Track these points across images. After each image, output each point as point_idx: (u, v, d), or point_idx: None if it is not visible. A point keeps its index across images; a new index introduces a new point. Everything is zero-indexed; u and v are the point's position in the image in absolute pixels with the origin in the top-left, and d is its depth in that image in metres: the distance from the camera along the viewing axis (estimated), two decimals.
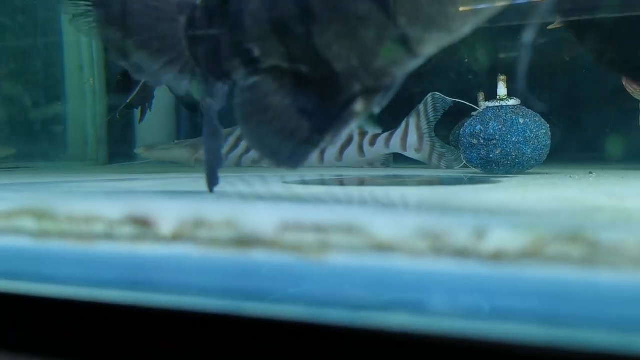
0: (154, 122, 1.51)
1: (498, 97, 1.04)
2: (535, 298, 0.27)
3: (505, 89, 1.04)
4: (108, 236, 0.36)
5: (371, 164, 1.29)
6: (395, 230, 0.31)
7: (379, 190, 0.73)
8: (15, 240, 0.38)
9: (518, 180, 0.86)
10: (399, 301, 0.29)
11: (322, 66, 0.46)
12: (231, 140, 1.33)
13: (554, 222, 0.36)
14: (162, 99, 1.41)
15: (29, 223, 0.37)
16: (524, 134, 1.00)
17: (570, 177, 0.91)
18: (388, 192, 0.68)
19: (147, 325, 0.33)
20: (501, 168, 1.01)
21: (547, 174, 1.01)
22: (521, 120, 1.01)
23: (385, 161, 1.30)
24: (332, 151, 1.28)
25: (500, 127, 1.00)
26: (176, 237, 0.34)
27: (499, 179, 0.89)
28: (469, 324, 0.28)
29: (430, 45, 0.43)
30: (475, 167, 1.04)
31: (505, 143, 1.00)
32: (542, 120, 1.02)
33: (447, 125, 1.24)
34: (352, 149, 1.27)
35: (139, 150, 1.40)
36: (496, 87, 1.04)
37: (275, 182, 0.82)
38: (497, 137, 1.00)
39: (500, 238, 0.28)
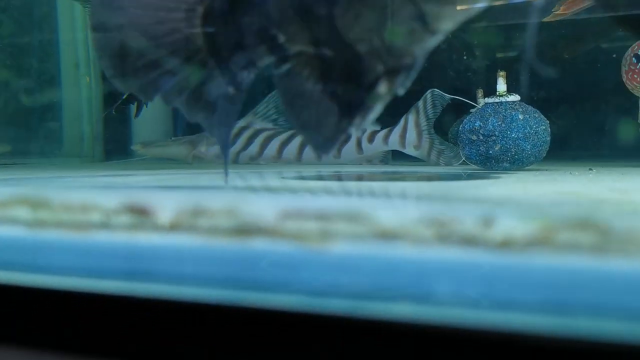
0: (150, 119, 1.50)
1: (497, 93, 1.03)
2: (544, 287, 0.26)
3: (505, 85, 1.04)
4: (105, 225, 0.35)
5: (369, 161, 1.29)
6: (399, 218, 0.30)
7: (379, 184, 0.72)
8: (9, 229, 0.37)
9: (518, 176, 0.86)
10: (403, 291, 0.28)
11: (344, 49, 0.46)
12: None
13: (560, 212, 0.35)
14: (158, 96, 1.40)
15: (23, 212, 0.37)
16: (523, 130, 0.99)
17: (570, 173, 0.90)
18: (388, 186, 0.67)
19: (144, 317, 0.32)
20: (500, 164, 1.01)
21: (546, 170, 1.01)
22: (521, 117, 1.00)
23: (383, 158, 1.29)
24: None
25: (499, 123, 1.00)
26: (174, 226, 0.33)
27: (499, 175, 0.89)
28: (476, 313, 0.27)
29: (448, 21, 0.42)
30: (474, 164, 1.04)
31: (505, 139, 0.99)
32: (542, 116, 1.02)
33: (444, 122, 1.23)
34: (350, 145, 1.27)
35: (135, 147, 1.39)
36: (493, 84, 1.04)
37: (273, 177, 0.82)
38: (496, 133, 0.99)
39: (509, 226, 0.28)
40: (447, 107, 1.20)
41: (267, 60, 0.51)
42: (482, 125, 1.01)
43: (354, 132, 1.26)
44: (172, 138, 1.43)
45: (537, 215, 0.28)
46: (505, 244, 0.27)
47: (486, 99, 1.03)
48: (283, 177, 0.81)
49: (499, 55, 1.42)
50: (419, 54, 0.43)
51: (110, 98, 1.46)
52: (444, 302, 0.28)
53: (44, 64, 1.62)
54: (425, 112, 1.20)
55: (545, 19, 1.08)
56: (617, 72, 1.06)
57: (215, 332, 0.31)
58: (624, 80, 1.02)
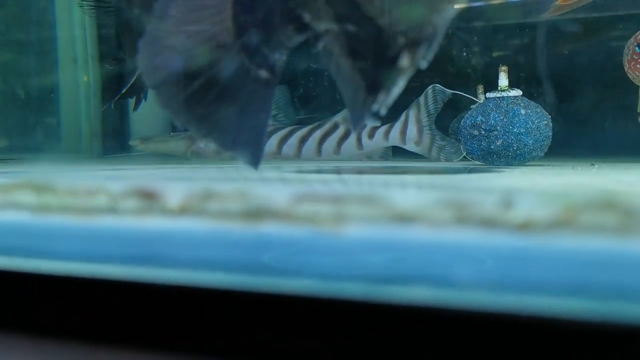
0: (149, 115, 1.49)
1: (499, 87, 1.02)
2: (567, 268, 0.25)
3: (507, 80, 1.03)
4: (112, 210, 0.34)
5: (369, 157, 1.28)
6: (415, 200, 0.29)
7: (384, 177, 0.71)
8: (13, 215, 0.36)
9: (521, 170, 0.85)
10: (420, 274, 0.28)
11: (366, 23, 0.45)
12: None
13: (577, 196, 0.34)
14: None
15: (28, 197, 0.36)
16: (525, 125, 0.99)
17: (573, 168, 0.90)
18: (394, 178, 0.67)
19: (153, 302, 0.32)
20: (502, 159, 1.00)
21: (548, 165, 1.01)
22: (523, 111, 1.00)
23: (384, 154, 1.28)
24: (330, 143, 1.27)
25: (501, 118, 0.99)
26: (184, 210, 0.32)
27: (501, 170, 0.88)
28: (496, 296, 0.26)
29: None
30: (475, 159, 1.03)
31: (507, 134, 0.99)
32: (544, 111, 1.01)
33: (444, 118, 1.22)
34: (351, 141, 1.26)
35: (134, 142, 1.38)
36: (492, 81, 1.03)
37: (273, 172, 0.81)
38: (498, 128, 0.99)
39: (529, 207, 0.27)
40: (445, 103, 1.19)
41: (295, 40, 0.50)
42: (483, 120, 1.00)
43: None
44: (171, 134, 1.42)
45: (559, 198, 0.27)
46: (526, 226, 0.26)
47: (488, 93, 1.02)
48: (283, 172, 0.80)
49: (500, 50, 1.41)
50: (439, 24, 0.43)
51: (108, 93, 1.45)
52: (462, 285, 0.27)
53: (41, 59, 1.61)
54: (427, 107, 1.19)
55: (544, 14, 1.07)
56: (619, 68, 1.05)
57: (226, 317, 0.30)
58: (626, 69, 1.01)
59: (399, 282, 0.28)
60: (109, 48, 1.54)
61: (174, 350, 0.32)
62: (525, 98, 1.02)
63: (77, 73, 1.57)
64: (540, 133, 0.99)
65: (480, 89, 1.10)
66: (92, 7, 1.13)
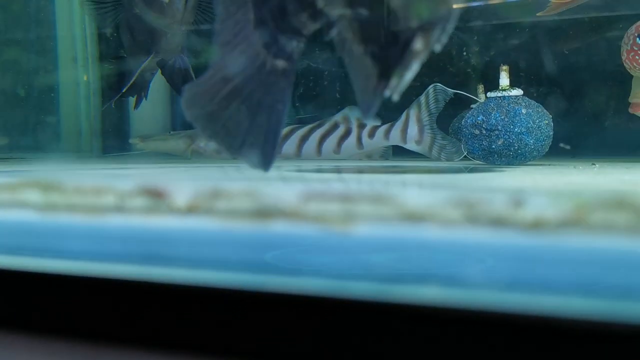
0: (149, 114, 1.49)
1: (500, 87, 1.02)
2: (578, 268, 0.25)
3: (508, 79, 1.03)
4: (119, 208, 0.34)
5: (369, 156, 1.28)
6: (425, 199, 0.29)
7: (384, 176, 0.71)
8: (19, 213, 0.36)
9: (522, 170, 0.85)
10: (430, 273, 0.28)
11: (378, 6, 0.44)
12: None
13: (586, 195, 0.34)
14: (157, 90, 1.39)
15: (34, 196, 0.36)
16: (526, 125, 0.99)
17: (574, 167, 0.90)
18: (397, 178, 0.67)
19: (160, 302, 0.32)
20: (503, 159, 1.00)
21: (548, 165, 1.01)
22: (524, 111, 1.00)
23: (384, 153, 1.28)
24: (330, 143, 1.27)
25: (502, 117, 0.99)
26: (192, 209, 0.32)
27: (503, 169, 0.88)
28: (506, 296, 0.26)
29: None
30: (476, 158, 1.03)
31: (508, 134, 0.99)
32: (545, 110, 1.01)
33: (441, 117, 1.22)
34: (351, 140, 1.26)
35: (134, 141, 1.38)
36: (492, 80, 1.03)
37: (273, 171, 0.81)
38: (499, 127, 0.99)
39: (540, 206, 0.27)
40: (446, 103, 1.19)
41: (311, 28, 0.50)
42: (484, 119, 1.00)
43: (353, 128, 1.25)
44: (171, 132, 1.42)
45: (569, 196, 0.27)
46: (537, 225, 0.26)
47: (489, 93, 1.02)
48: (284, 171, 0.80)
49: (500, 49, 1.41)
50: (454, 6, 0.42)
51: (109, 92, 1.45)
52: (472, 284, 0.27)
53: (41, 58, 1.61)
54: (428, 106, 1.19)
55: (541, 13, 1.07)
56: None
57: (234, 317, 0.30)
58: (623, 59, 1.00)
59: (408, 281, 0.28)
60: (109, 47, 1.54)
61: (181, 349, 0.32)
62: (526, 97, 1.02)
63: (77, 72, 1.56)
64: (541, 132, 1.00)
65: (481, 88, 1.10)
66: (93, 5, 1.13)
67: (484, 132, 1.00)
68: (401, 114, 1.22)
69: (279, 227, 0.31)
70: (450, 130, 1.22)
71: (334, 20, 0.47)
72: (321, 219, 0.30)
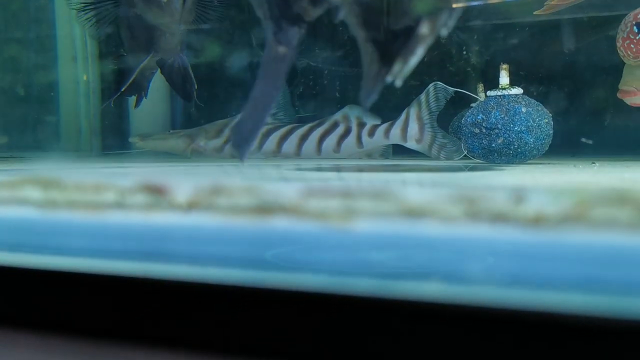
0: (148, 113, 1.49)
1: (500, 86, 1.02)
2: (579, 263, 0.25)
3: (508, 78, 1.03)
4: (119, 205, 0.34)
5: (369, 155, 1.28)
6: (426, 195, 0.29)
7: (385, 175, 0.71)
8: (19, 210, 0.36)
9: (522, 168, 0.85)
10: (431, 269, 0.28)
11: None
12: (227, 131, 1.32)
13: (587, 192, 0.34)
14: (156, 89, 1.39)
15: (34, 193, 0.36)
16: (526, 123, 0.99)
17: (574, 166, 0.90)
18: (397, 176, 0.67)
19: (161, 298, 0.32)
20: (503, 158, 1.00)
21: (548, 164, 1.01)
22: (524, 109, 0.99)
23: (384, 152, 1.28)
24: (330, 142, 1.27)
25: (502, 116, 0.99)
26: (192, 205, 0.32)
27: (502, 168, 0.88)
28: (507, 292, 0.26)
29: None
30: (476, 157, 1.03)
31: (508, 132, 0.99)
32: (545, 109, 1.01)
33: (443, 117, 1.22)
34: (351, 139, 1.26)
35: (133, 139, 1.38)
36: (491, 80, 1.03)
37: (273, 170, 0.81)
38: (499, 126, 0.99)
39: (541, 202, 0.27)
40: (447, 101, 1.19)
41: (313, 14, 0.50)
42: (484, 118, 1.00)
43: (353, 127, 1.25)
44: (170, 131, 1.42)
45: (570, 192, 0.27)
46: (538, 221, 0.26)
47: (489, 91, 1.02)
48: (284, 169, 0.80)
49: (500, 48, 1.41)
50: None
51: (108, 91, 1.45)
52: (473, 280, 0.27)
53: (41, 57, 1.61)
54: (428, 105, 1.19)
55: (538, 12, 1.06)
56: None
57: (235, 314, 0.30)
58: (618, 46, 0.99)
59: (409, 277, 0.28)
60: (108, 46, 1.54)
61: (182, 346, 0.32)
62: (526, 96, 1.02)
63: (77, 71, 1.56)
64: (541, 131, 0.99)
65: (480, 87, 1.10)
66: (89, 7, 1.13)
67: (484, 130, 1.00)
68: (401, 112, 1.22)
69: (279, 224, 0.30)
70: (450, 129, 1.22)
71: (336, 5, 0.47)
72: (322, 215, 0.29)
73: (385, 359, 0.28)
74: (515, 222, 0.26)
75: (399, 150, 1.27)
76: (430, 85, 1.18)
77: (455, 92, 1.17)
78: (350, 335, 0.28)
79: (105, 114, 1.55)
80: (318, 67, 1.44)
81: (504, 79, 1.03)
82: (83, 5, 1.13)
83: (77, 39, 1.58)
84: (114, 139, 1.57)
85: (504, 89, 1.02)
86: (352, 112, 1.28)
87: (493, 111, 1.00)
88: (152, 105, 1.43)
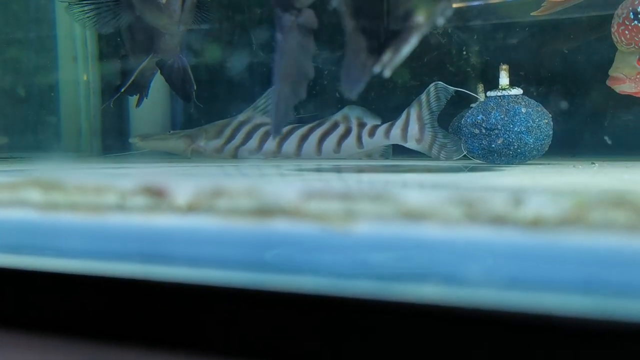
0: (148, 113, 1.49)
1: (500, 86, 1.02)
2: (577, 266, 0.25)
3: (507, 79, 1.03)
4: (120, 207, 0.34)
5: (369, 156, 1.28)
6: (425, 198, 0.29)
7: (385, 176, 0.71)
8: (20, 212, 0.36)
9: (522, 169, 0.85)
10: (430, 271, 0.28)
11: None
12: (227, 132, 1.32)
13: (586, 194, 0.34)
14: (157, 89, 1.39)
15: (35, 195, 0.36)
16: (526, 124, 0.99)
17: (574, 166, 0.90)
18: (398, 177, 0.67)
19: (161, 300, 0.32)
20: (503, 158, 1.00)
21: (548, 164, 1.01)
22: (523, 110, 1.00)
23: (384, 152, 1.28)
24: (330, 142, 1.27)
25: (502, 116, 0.99)
26: (192, 208, 0.32)
27: (502, 168, 0.88)
28: (506, 294, 0.26)
29: None
30: (476, 158, 1.03)
31: (508, 133, 0.99)
32: (544, 110, 1.01)
33: (442, 117, 1.22)
34: (351, 140, 1.26)
35: (134, 140, 1.38)
36: (491, 80, 1.03)
37: (274, 171, 0.81)
38: (499, 126, 0.99)
39: (540, 204, 0.27)
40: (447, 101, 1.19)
41: (304, 1, 0.50)
42: (484, 118, 1.00)
43: (353, 127, 1.25)
44: (171, 131, 1.42)
45: (568, 195, 0.27)
46: (536, 223, 0.26)
47: (489, 92, 1.02)
48: (286, 170, 0.80)
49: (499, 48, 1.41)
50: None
51: (108, 91, 1.45)
52: (473, 282, 0.27)
53: (41, 57, 1.61)
54: (429, 105, 1.19)
55: (535, 12, 1.06)
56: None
57: (235, 315, 0.30)
58: (612, 31, 0.98)
59: (408, 280, 0.28)
60: (109, 46, 1.54)
61: (182, 347, 0.32)
62: (526, 97, 1.02)
63: (77, 71, 1.57)
64: (540, 132, 1.00)
65: (480, 87, 1.10)
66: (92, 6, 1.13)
67: (484, 131, 1.00)
68: (401, 112, 1.22)
69: (279, 226, 0.31)
70: (450, 129, 1.22)
71: None
72: (322, 217, 0.30)
73: None
74: (514, 225, 0.27)
75: (399, 151, 1.27)
76: (431, 85, 1.18)
77: (455, 92, 1.18)
78: (349, 336, 0.29)
79: (105, 115, 1.55)
80: (318, 68, 1.45)
81: (504, 79, 1.03)
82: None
83: (78, 40, 1.58)
84: (114, 140, 1.57)
85: (504, 89, 1.02)
86: (352, 113, 1.28)
87: (493, 112, 1.00)
88: (152, 105, 1.43)
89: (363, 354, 0.28)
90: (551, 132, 1.01)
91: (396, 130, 1.22)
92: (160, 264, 0.33)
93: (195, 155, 1.34)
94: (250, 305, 0.30)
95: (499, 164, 1.01)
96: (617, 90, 1.01)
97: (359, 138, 1.26)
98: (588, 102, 1.36)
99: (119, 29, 1.18)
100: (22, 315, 0.34)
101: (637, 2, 0.95)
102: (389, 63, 0.44)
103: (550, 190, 0.46)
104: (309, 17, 0.55)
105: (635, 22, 0.95)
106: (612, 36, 0.98)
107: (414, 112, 1.20)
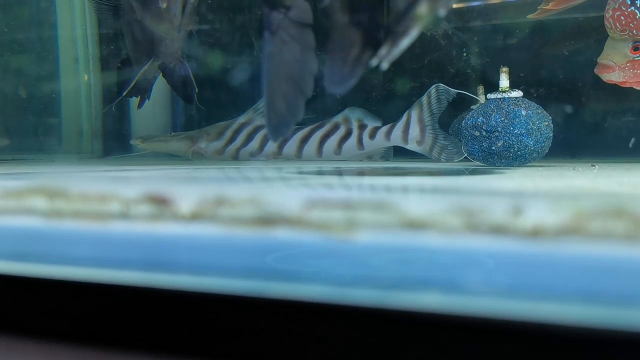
0: (149, 115, 1.49)
1: (500, 89, 1.03)
2: (576, 275, 0.26)
3: (507, 81, 1.03)
4: (124, 215, 0.34)
5: (370, 157, 1.28)
6: (426, 207, 0.29)
7: (386, 180, 0.72)
8: (25, 220, 0.36)
9: (522, 172, 0.85)
10: (431, 280, 0.28)
11: None
12: (228, 133, 1.32)
13: (580, 203, 0.35)
14: (158, 91, 1.40)
15: (40, 202, 0.36)
16: (526, 126, 0.99)
17: (574, 169, 0.90)
18: (398, 181, 0.67)
19: (164, 307, 0.32)
20: (503, 160, 1.00)
21: (548, 166, 1.01)
22: (523, 112, 1.00)
23: (385, 154, 1.28)
24: (330, 143, 1.27)
25: (502, 119, 0.99)
26: (196, 216, 0.33)
27: (503, 171, 0.88)
28: (506, 303, 0.26)
29: None
30: (476, 160, 1.04)
31: (508, 135, 0.99)
32: (544, 112, 1.01)
33: (442, 118, 1.22)
34: (351, 141, 1.26)
35: (135, 142, 1.39)
36: (491, 82, 1.04)
37: (274, 173, 0.81)
38: (499, 129, 0.99)
39: (539, 214, 0.27)
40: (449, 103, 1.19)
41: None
42: (485, 121, 1.01)
43: (354, 129, 1.25)
44: (172, 133, 1.42)
45: (566, 205, 0.28)
46: (536, 233, 0.27)
47: (489, 94, 1.03)
48: (286, 173, 0.80)
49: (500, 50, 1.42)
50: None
51: (109, 93, 1.46)
52: (473, 291, 0.27)
53: (42, 59, 1.61)
54: (430, 107, 1.19)
55: (531, 16, 1.06)
56: None
57: (237, 323, 0.31)
58: (606, 17, 0.96)
59: (409, 288, 0.29)
60: (110, 48, 1.55)
61: (184, 354, 0.32)
62: (526, 99, 1.02)
63: (78, 73, 1.57)
64: (541, 134, 1.00)
65: (481, 89, 1.11)
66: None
67: (484, 133, 1.00)
68: (402, 114, 1.22)
69: (281, 235, 0.31)
70: (451, 131, 1.22)
71: None
72: (323, 226, 0.30)
73: None
74: (514, 235, 0.27)
75: (400, 152, 1.27)
76: (432, 86, 1.18)
77: (459, 93, 1.18)
78: (351, 343, 0.29)
79: (106, 116, 1.56)
80: (318, 69, 1.44)
81: (504, 81, 1.04)
82: None
83: (79, 41, 1.58)
84: (115, 142, 1.57)
85: (504, 91, 1.02)
86: (353, 114, 1.28)
87: (493, 114, 1.01)
88: (153, 107, 1.43)
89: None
90: (551, 135, 1.01)
91: (397, 132, 1.22)
92: (163, 271, 0.33)
93: (196, 157, 1.34)
94: (253, 313, 0.31)
95: (499, 166, 1.01)
96: (604, 79, 0.99)
97: (360, 140, 1.26)
98: (588, 103, 1.36)
99: (120, 33, 1.19)
100: (27, 321, 0.35)
101: None
102: (387, 56, 0.44)
103: (550, 195, 0.46)
104: (302, 11, 0.55)
105: (632, 7, 0.94)
106: (606, 22, 0.97)
107: (414, 113, 1.21)
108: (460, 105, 1.18)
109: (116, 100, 1.26)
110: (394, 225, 0.29)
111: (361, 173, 0.91)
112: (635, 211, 0.26)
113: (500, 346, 0.26)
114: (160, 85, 1.34)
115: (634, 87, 1.00)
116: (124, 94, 1.21)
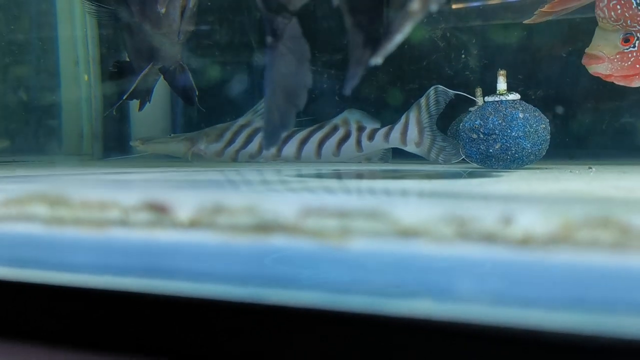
0: (149, 117, 1.50)
1: (498, 91, 1.03)
2: (564, 283, 0.26)
3: (505, 84, 1.04)
4: (123, 223, 0.35)
5: (369, 159, 1.29)
6: (419, 215, 0.30)
7: (384, 183, 0.72)
8: (27, 227, 0.37)
9: (519, 174, 0.86)
10: (423, 287, 0.29)
11: None
12: (228, 135, 1.33)
13: (575, 210, 0.35)
14: (157, 93, 1.40)
15: (41, 210, 0.37)
16: (523, 129, 1.00)
17: (570, 171, 0.91)
18: (396, 185, 0.67)
19: (163, 314, 0.33)
20: (500, 163, 1.01)
21: (545, 169, 1.01)
22: (521, 115, 1.00)
23: (383, 156, 1.29)
24: (329, 145, 1.28)
25: (500, 121, 1.00)
26: (194, 224, 0.33)
27: (500, 173, 0.89)
28: (496, 310, 0.27)
29: None
30: (474, 162, 1.04)
31: (505, 138, 1.00)
32: (542, 115, 1.02)
33: (440, 120, 1.22)
34: (350, 143, 1.27)
35: (134, 143, 1.39)
36: (489, 84, 1.04)
37: (274, 175, 0.82)
38: (497, 131, 1.00)
39: (529, 223, 0.28)
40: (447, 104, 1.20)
41: (297, 3, 0.50)
42: (482, 123, 1.01)
43: (353, 131, 1.25)
44: (171, 135, 1.43)
45: (556, 213, 0.28)
46: (526, 242, 0.27)
47: (486, 97, 1.03)
48: (285, 176, 0.81)
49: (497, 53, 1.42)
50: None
51: (109, 96, 1.46)
52: (464, 298, 0.28)
53: (43, 61, 1.62)
54: (428, 108, 1.19)
55: (528, 21, 1.06)
56: None
57: (235, 329, 0.31)
58: (600, 6, 0.94)
59: (401, 295, 0.29)
60: (110, 50, 1.55)
61: None
62: (524, 102, 1.03)
63: (79, 75, 1.57)
64: (538, 137, 1.00)
65: (479, 91, 1.11)
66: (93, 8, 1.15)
67: (482, 136, 1.01)
68: (400, 116, 1.22)
69: (278, 242, 0.32)
70: (449, 133, 1.22)
71: None
72: (319, 234, 0.31)
73: None
74: (505, 243, 0.27)
75: (398, 154, 1.28)
76: (431, 88, 1.19)
77: (454, 95, 1.18)
78: (345, 349, 0.29)
79: (106, 118, 1.56)
80: (317, 71, 1.45)
81: (502, 84, 1.04)
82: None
83: (79, 43, 1.58)
84: (115, 143, 1.58)
85: (502, 94, 1.03)
86: (351, 116, 1.29)
87: (490, 117, 1.01)
88: (153, 109, 1.44)
89: None
90: (549, 137, 1.02)
91: (395, 133, 1.23)
92: (162, 278, 0.34)
93: (195, 159, 1.35)
94: (250, 318, 0.31)
95: (496, 168, 1.02)
96: (591, 71, 0.97)
97: (359, 141, 1.27)
98: (586, 105, 1.37)
99: (121, 35, 1.19)
100: (28, 328, 0.35)
101: None
102: (381, 51, 0.44)
103: (544, 201, 0.47)
104: (294, 26, 0.55)
105: None
106: (599, 11, 0.94)
107: (413, 115, 1.21)
108: (458, 107, 1.18)
109: (117, 105, 1.27)
110: (387, 233, 0.30)
111: (359, 176, 0.91)
112: (622, 220, 0.26)
113: (490, 352, 0.27)
114: (159, 88, 1.34)
115: (614, 82, 0.98)
116: (124, 97, 1.22)
